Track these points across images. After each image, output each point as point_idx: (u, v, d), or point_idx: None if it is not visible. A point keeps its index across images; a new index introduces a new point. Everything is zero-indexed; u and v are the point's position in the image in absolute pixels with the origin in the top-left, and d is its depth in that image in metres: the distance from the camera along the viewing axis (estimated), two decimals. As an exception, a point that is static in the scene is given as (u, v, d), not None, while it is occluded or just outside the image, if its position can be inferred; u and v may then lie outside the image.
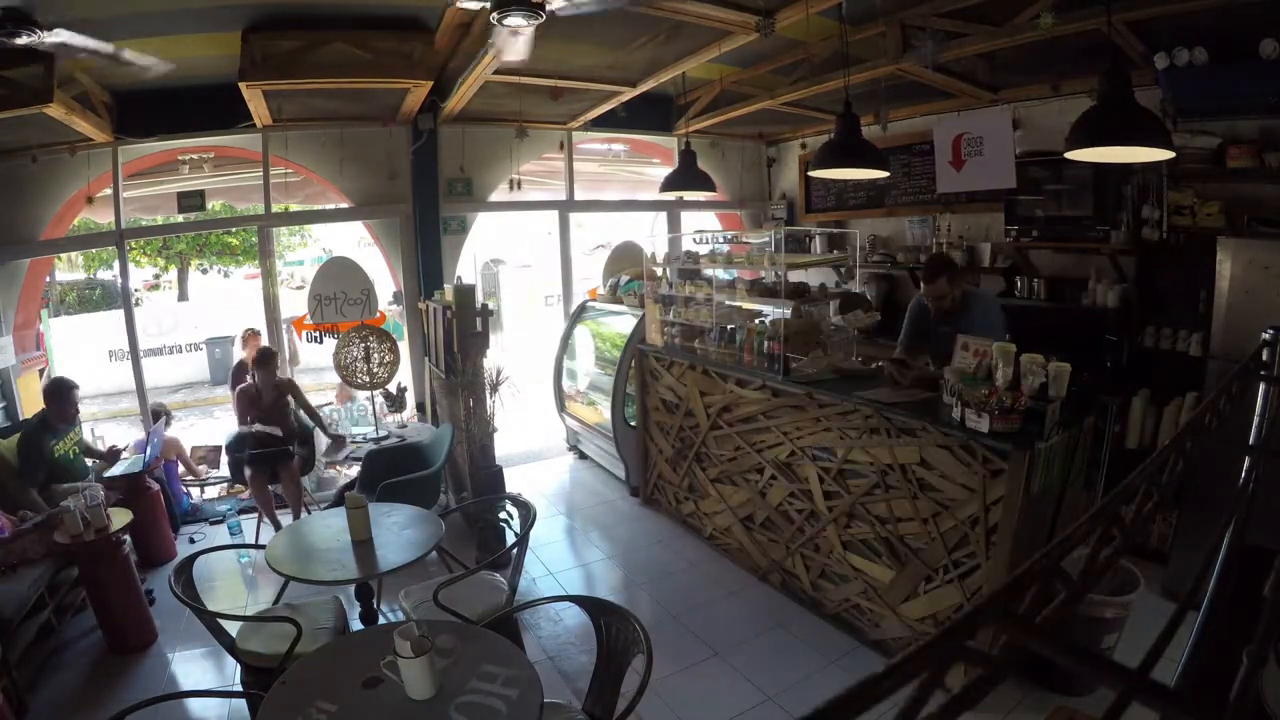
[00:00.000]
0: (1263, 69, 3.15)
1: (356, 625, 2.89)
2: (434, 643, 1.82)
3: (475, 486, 4.29)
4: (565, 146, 6.07)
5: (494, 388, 4.48)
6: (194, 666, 3.22)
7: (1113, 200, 4.03)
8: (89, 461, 4.26)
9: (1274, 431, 1.19)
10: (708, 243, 4.60)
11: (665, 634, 3.23)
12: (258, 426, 4.41)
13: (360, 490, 3.83)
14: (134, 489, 4.13)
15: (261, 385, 4.50)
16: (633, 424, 4.89)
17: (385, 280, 5.89)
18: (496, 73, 4.00)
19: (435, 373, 5.09)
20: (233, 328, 11.08)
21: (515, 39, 2.93)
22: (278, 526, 4.24)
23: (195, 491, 5.18)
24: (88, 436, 4.50)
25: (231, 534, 4.58)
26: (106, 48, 2.92)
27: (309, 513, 4.39)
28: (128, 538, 3.48)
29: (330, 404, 5.76)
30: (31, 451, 3.85)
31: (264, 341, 5.43)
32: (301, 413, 4.74)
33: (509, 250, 14.94)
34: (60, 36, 2.70)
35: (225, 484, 5.24)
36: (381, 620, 2.95)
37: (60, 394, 4.01)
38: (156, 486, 4.32)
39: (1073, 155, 2.45)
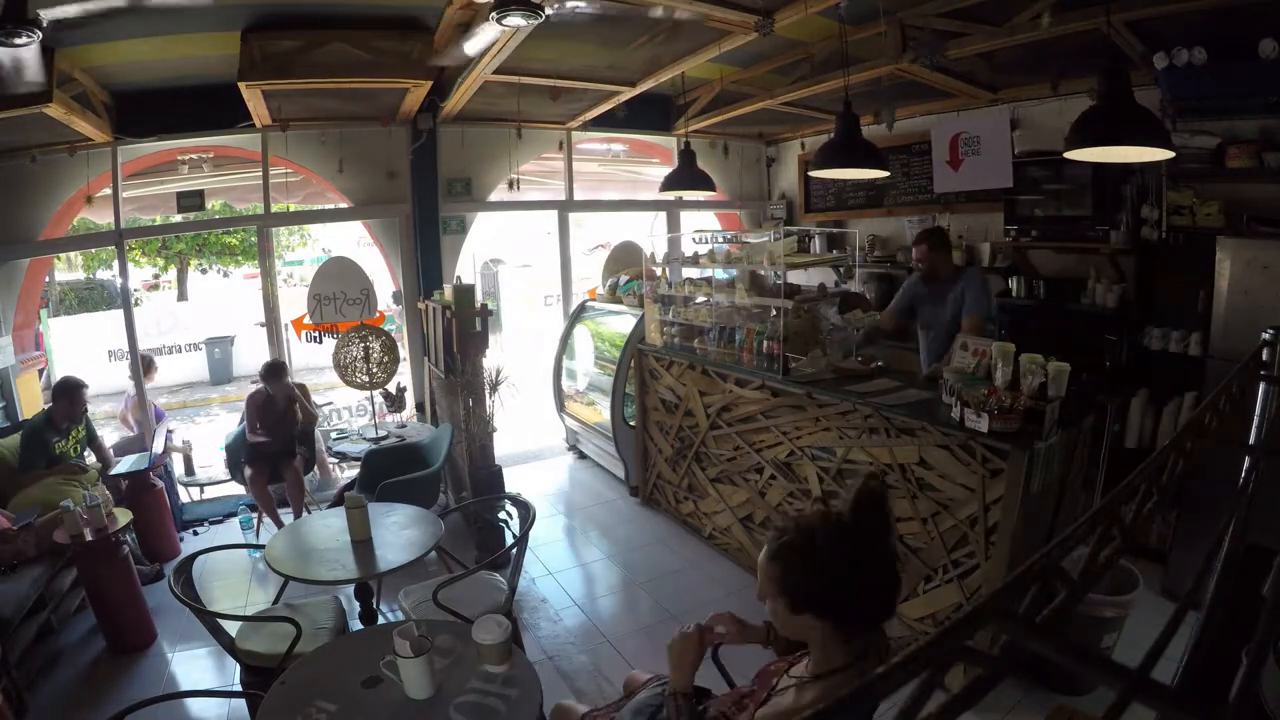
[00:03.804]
0: (1262, 69, 3.15)
1: (356, 625, 2.89)
2: (433, 643, 1.82)
3: (475, 486, 4.29)
4: (564, 146, 6.07)
5: (493, 388, 4.48)
6: (194, 666, 3.22)
7: (1112, 200, 4.03)
8: (89, 458, 4.27)
9: (1274, 431, 1.19)
10: (707, 242, 4.59)
11: (664, 634, 3.22)
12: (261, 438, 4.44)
13: (360, 490, 3.82)
14: (138, 487, 4.13)
15: (275, 393, 4.50)
16: (632, 424, 4.89)
17: (385, 280, 5.89)
18: (496, 72, 4.00)
19: (435, 373, 5.08)
20: (232, 328, 11.11)
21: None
22: (280, 524, 4.25)
23: (194, 491, 5.18)
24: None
25: (244, 529, 4.58)
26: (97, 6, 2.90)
27: (309, 512, 4.39)
28: (128, 538, 3.48)
29: (330, 403, 5.76)
30: (34, 445, 3.89)
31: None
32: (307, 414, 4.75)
33: (508, 250, 14.94)
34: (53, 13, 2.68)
35: (214, 484, 5.22)
36: (381, 620, 2.95)
37: (68, 393, 4.03)
38: (161, 484, 4.32)
39: (1072, 155, 2.45)
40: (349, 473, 5.13)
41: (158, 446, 4.68)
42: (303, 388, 4.79)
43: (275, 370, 4.53)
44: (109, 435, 5.08)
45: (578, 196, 6.31)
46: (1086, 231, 4.13)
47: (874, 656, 1.25)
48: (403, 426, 5.12)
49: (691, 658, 1.57)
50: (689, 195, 5.60)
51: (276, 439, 4.48)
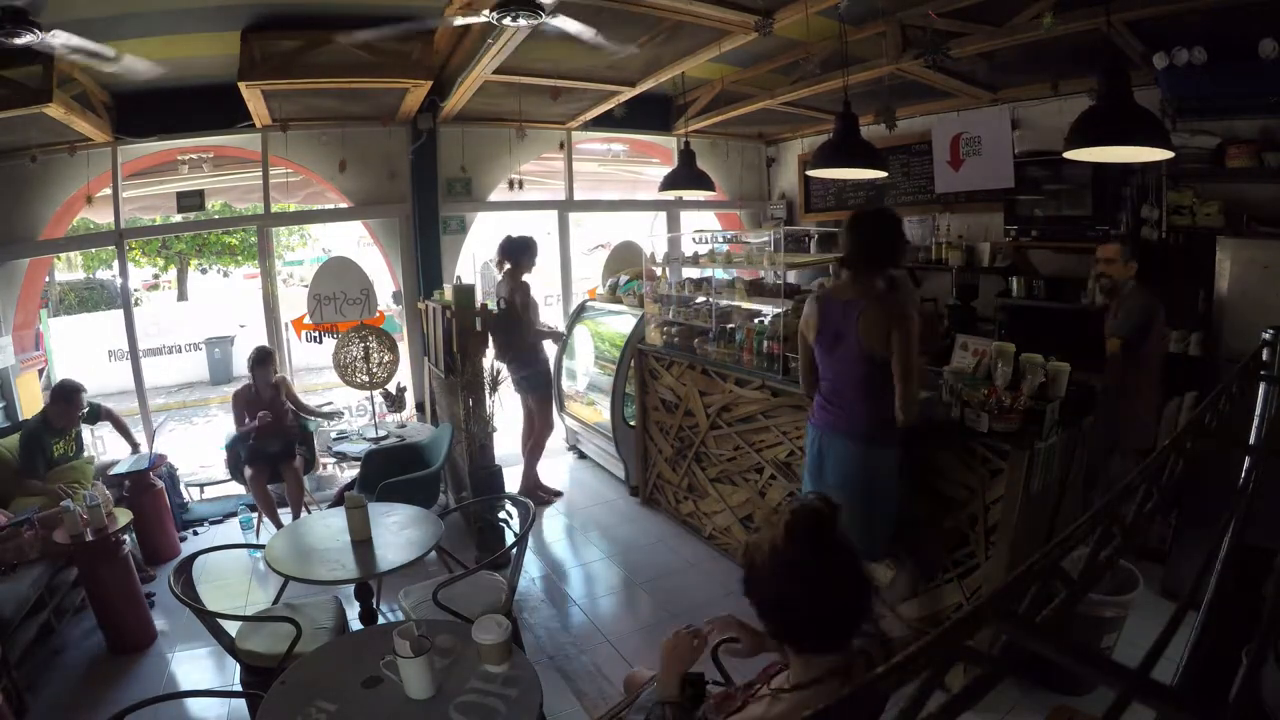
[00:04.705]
0: (1262, 69, 3.15)
1: (356, 625, 2.88)
2: (433, 642, 1.82)
3: (475, 486, 4.29)
4: (564, 146, 6.07)
5: (493, 387, 4.47)
6: (194, 666, 3.22)
7: (1112, 200, 4.03)
8: (88, 450, 4.28)
9: (1274, 431, 1.19)
10: (707, 242, 4.59)
11: (665, 634, 3.23)
12: (260, 416, 4.39)
13: (360, 490, 3.82)
14: (138, 487, 4.13)
15: (259, 385, 4.50)
16: (632, 424, 4.89)
17: (385, 280, 5.89)
18: (496, 72, 4.00)
19: (435, 372, 5.08)
20: (232, 328, 11.10)
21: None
22: (279, 526, 4.24)
23: (194, 492, 5.17)
24: (87, 438, 4.50)
25: (244, 529, 4.58)
26: (106, 51, 2.93)
27: (309, 512, 4.39)
28: (128, 537, 3.47)
29: (330, 403, 5.75)
30: (32, 448, 3.90)
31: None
32: (300, 413, 4.74)
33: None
34: (59, 38, 2.70)
35: (214, 484, 5.21)
36: (381, 620, 2.95)
37: (66, 396, 4.01)
38: (160, 485, 4.32)
39: (1072, 155, 2.46)
40: (349, 473, 5.13)
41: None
42: (284, 380, 4.77)
43: (264, 358, 4.50)
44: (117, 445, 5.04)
45: (578, 196, 6.31)
46: (1086, 231, 4.13)
47: (860, 668, 1.21)
48: (403, 426, 5.12)
49: (681, 664, 1.54)
50: (689, 195, 5.60)
51: (271, 431, 4.45)
